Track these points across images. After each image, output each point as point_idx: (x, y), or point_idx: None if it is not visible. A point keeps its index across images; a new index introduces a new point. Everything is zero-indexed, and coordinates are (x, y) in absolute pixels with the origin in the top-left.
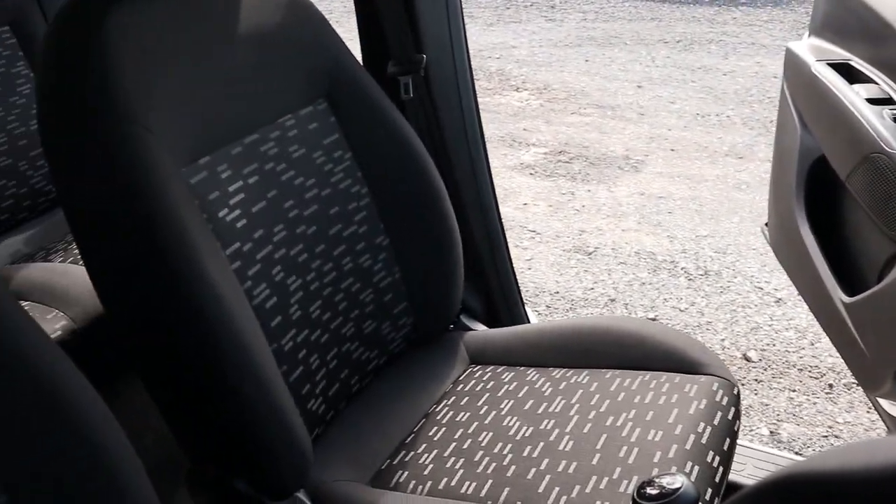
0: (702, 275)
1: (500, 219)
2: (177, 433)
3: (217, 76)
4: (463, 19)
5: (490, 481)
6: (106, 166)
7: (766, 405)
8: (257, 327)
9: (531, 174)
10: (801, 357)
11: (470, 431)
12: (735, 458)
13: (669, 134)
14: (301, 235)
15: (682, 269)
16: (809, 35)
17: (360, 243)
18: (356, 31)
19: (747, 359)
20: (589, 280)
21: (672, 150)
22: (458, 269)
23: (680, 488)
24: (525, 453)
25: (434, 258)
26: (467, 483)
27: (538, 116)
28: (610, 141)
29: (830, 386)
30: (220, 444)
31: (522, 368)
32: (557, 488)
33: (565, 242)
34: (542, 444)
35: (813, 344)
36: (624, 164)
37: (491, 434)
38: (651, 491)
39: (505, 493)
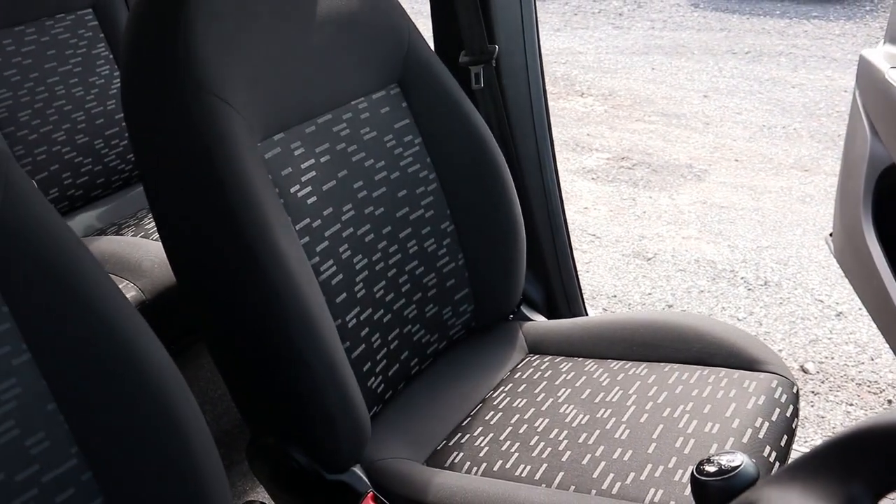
0: (762, 285)
1: (563, 212)
2: (240, 403)
3: (295, 55)
4: (536, 11)
5: (545, 465)
6: (184, 133)
7: (822, 417)
8: (323, 301)
9: (593, 179)
10: (860, 371)
11: (526, 417)
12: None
13: (734, 144)
14: (369, 216)
15: (741, 278)
16: (885, 42)
17: (426, 227)
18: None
19: (805, 370)
20: (647, 285)
21: (736, 160)
22: (521, 258)
23: (740, 465)
24: (581, 440)
25: (497, 247)
26: (522, 466)
27: (602, 122)
28: (674, 149)
29: (889, 402)
30: (281, 413)
31: (580, 359)
32: (612, 474)
33: (625, 247)
34: (598, 431)
35: (873, 359)
36: (687, 172)
37: (547, 420)
38: (710, 468)
39: (559, 476)
